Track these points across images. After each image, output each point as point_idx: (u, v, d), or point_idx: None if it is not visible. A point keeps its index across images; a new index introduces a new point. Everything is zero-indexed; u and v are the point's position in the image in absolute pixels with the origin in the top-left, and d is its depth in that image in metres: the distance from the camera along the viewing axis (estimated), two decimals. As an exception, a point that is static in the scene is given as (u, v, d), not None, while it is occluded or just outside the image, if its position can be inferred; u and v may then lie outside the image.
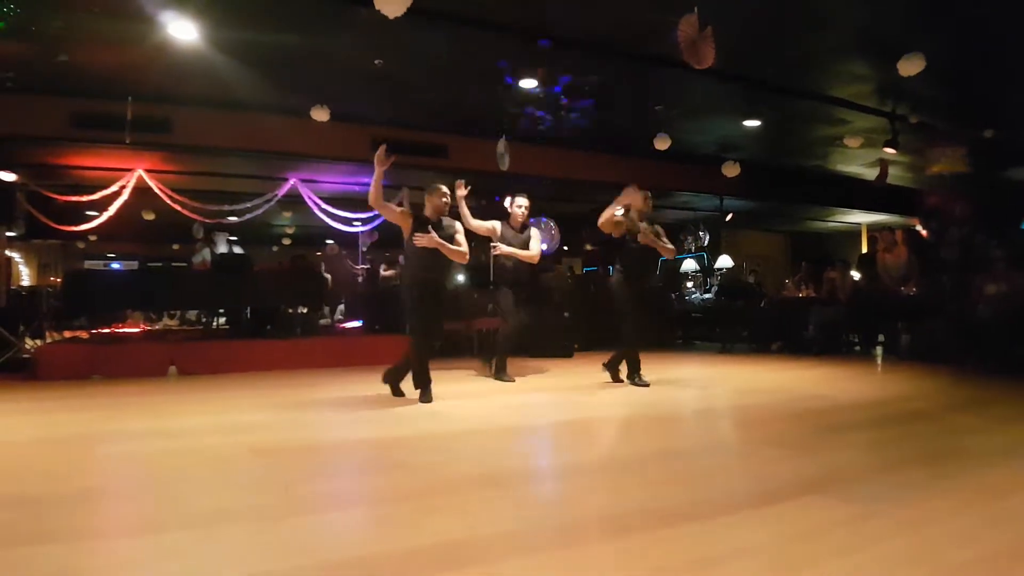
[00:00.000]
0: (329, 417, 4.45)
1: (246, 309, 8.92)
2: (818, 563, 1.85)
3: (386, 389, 5.09)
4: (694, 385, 6.20)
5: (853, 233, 16.04)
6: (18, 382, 6.44)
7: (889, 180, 10.17)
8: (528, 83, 7.50)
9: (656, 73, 7.18)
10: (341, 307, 12.86)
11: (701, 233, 14.85)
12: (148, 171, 9.04)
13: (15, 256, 12.42)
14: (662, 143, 8.62)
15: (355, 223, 10.94)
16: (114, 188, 8.86)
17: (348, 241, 13.10)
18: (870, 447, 3.48)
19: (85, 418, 4.56)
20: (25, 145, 8.25)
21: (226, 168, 9.73)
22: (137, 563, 1.93)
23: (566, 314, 9.61)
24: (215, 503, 2.52)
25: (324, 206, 10.32)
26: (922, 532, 2.09)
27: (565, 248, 13.35)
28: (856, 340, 9.69)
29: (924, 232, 9.58)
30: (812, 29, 6.20)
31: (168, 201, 9.20)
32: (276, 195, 9.86)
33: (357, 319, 11.34)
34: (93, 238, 14.13)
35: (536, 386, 5.96)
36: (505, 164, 8.24)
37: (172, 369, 6.89)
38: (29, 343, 7.99)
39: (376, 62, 6.90)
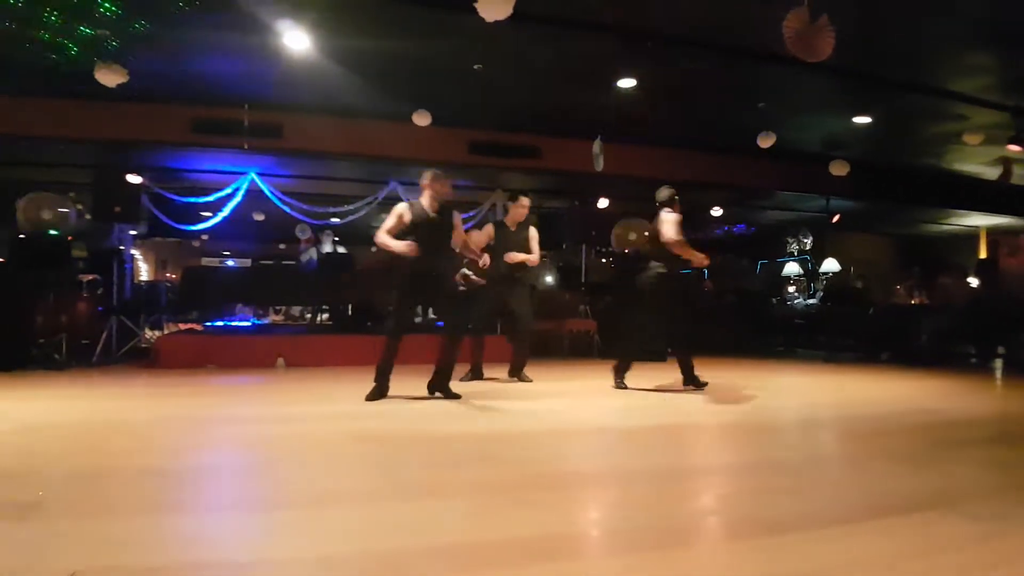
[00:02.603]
0: (425, 409, 4.56)
1: (348, 306, 9.30)
2: (939, 581, 1.76)
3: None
4: (796, 394, 5.97)
5: (969, 237, 14.93)
6: (140, 369, 7.04)
7: (1013, 180, 9.47)
8: (626, 82, 7.45)
9: (759, 68, 6.97)
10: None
11: (803, 236, 14.30)
12: (260, 174, 9.55)
13: (135, 252, 13.37)
14: (766, 141, 8.37)
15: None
16: (228, 190, 9.42)
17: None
18: (992, 464, 3.25)
19: (201, 402, 4.92)
20: (150, 149, 8.88)
21: (331, 172, 10.15)
22: (254, 537, 2.07)
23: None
24: (321, 485, 2.65)
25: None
26: (1056, 555, 1.95)
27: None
28: (973, 351, 9.06)
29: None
30: (930, 17, 5.84)
31: (278, 203, 9.69)
32: (377, 198, 10.19)
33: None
34: (206, 237, 15.04)
35: (630, 390, 5.90)
36: (600, 165, 8.19)
37: (280, 361, 7.29)
38: (148, 333, 8.63)
39: (476, 67, 7.03)
